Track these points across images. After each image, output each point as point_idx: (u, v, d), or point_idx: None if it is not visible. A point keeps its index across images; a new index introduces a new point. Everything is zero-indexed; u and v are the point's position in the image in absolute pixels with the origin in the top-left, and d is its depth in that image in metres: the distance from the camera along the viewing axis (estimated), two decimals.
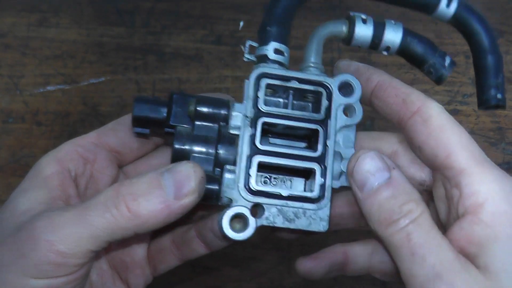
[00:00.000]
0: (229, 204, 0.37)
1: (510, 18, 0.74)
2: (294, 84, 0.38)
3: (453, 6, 0.41)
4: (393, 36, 0.41)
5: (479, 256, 0.32)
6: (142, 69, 0.72)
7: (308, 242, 0.62)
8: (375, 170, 0.34)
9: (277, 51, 0.39)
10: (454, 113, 0.68)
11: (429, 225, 0.33)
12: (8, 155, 0.67)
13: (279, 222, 0.37)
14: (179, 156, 0.37)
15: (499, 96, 0.42)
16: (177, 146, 0.37)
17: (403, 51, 0.41)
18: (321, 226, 0.37)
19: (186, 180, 0.34)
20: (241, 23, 0.75)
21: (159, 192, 0.34)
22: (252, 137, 0.37)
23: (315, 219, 0.37)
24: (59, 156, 0.41)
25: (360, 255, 0.43)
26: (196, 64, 0.72)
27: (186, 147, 0.37)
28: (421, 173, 0.40)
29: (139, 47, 0.74)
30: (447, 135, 0.35)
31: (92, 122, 0.69)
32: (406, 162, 0.40)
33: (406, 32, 0.42)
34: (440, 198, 0.37)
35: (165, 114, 0.39)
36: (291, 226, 0.37)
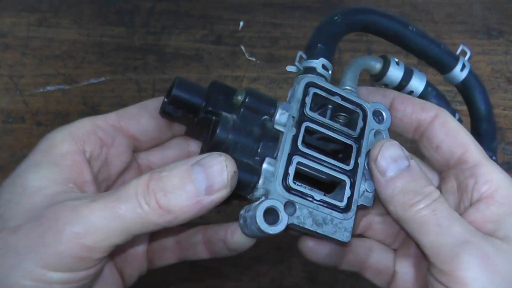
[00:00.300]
0: (257, 199, 0.37)
1: (510, 18, 0.74)
2: (337, 100, 0.40)
3: (465, 71, 0.48)
4: (418, 83, 0.46)
5: (497, 230, 0.36)
6: (142, 69, 0.72)
7: None
8: (397, 157, 0.38)
9: (324, 67, 0.41)
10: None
11: (448, 205, 0.36)
12: (8, 155, 0.67)
13: (308, 224, 0.37)
14: (219, 144, 0.37)
15: (494, 158, 0.49)
16: (221, 133, 0.37)
17: (421, 98, 0.45)
18: (344, 236, 0.38)
19: (219, 175, 0.33)
20: (241, 23, 0.75)
21: (190, 187, 0.33)
22: (295, 137, 0.37)
23: (340, 228, 0.38)
24: (76, 134, 0.38)
25: (361, 247, 0.43)
26: (196, 64, 0.72)
27: (230, 135, 0.37)
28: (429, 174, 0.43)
29: (139, 47, 0.74)
30: (462, 135, 0.39)
31: None
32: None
33: (428, 83, 0.47)
34: (449, 191, 0.40)
35: (204, 100, 0.39)
36: (319, 230, 0.37)
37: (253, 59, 0.73)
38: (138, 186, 0.33)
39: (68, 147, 0.37)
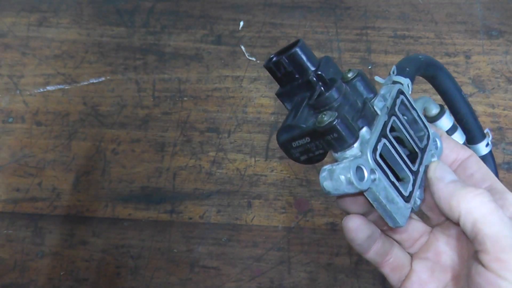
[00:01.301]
0: (345, 158, 0.40)
1: (510, 18, 0.74)
2: (415, 114, 0.45)
3: (488, 149, 0.55)
4: (457, 139, 0.54)
5: None
6: (142, 69, 0.72)
7: (308, 241, 0.62)
8: (451, 172, 0.44)
9: (408, 86, 0.48)
10: None
11: None
12: (8, 155, 0.67)
13: (382, 196, 0.41)
14: (329, 102, 0.41)
15: None
16: (335, 92, 0.41)
17: None
18: (402, 220, 0.42)
19: None
20: (241, 23, 0.75)
21: None
22: (386, 124, 0.42)
23: (399, 212, 0.42)
24: None
25: (387, 240, 0.47)
26: (196, 64, 0.72)
27: (340, 98, 0.41)
28: None
29: (139, 47, 0.73)
30: (491, 172, 0.47)
31: (92, 122, 0.69)
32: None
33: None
34: None
35: (316, 66, 0.42)
36: (387, 205, 0.41)
37: (253, 59, 0.73)
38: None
39: None
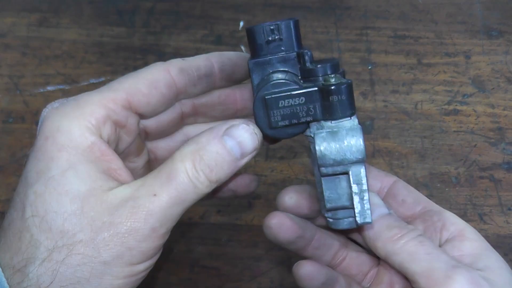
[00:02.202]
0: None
1: (510, 18, 0.74)
2: None
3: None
4: None
5: (475, 262, 0.39)
6: None
7: None
8: (380, 204, 0.43)
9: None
10: (454, 113, 0.68)
11: (430, 240, 0.41)
12: (8, 155, 0.67)
13: (366, 180, 0.39)
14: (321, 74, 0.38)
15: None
16: (329, 69, 0.39)
17: None
18: (370, 216, 0.40)
19: (251, 143, 0.39)
20: (241, 23, 0.75)
21: (228, 157, 0.38)
22: None
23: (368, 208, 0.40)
24: (91, 122, 0.38)
25: (341, 278, 0.47)
26: None
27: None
28: None
29: (139, 47, 0.74)
30: (420, 193, 0.47)
31: None
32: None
33: None
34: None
35: None
36: (366, 193, 0.39)
37: None
38: (188, 171, 0.37)
39: (91, 139, 0.37)
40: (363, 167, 0.38)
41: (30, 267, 0.35)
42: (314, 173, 0.42)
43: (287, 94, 0.38)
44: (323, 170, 0.38)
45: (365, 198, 0.38)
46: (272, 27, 0.39)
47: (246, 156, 0.39)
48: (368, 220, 0.39)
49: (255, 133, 0.39)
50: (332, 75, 0.37)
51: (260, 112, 0.39)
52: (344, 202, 0.40)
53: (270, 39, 0.39)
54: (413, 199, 0.45)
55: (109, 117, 0.39)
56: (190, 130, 0.48)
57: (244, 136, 0.38)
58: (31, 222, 0.35)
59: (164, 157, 0.47)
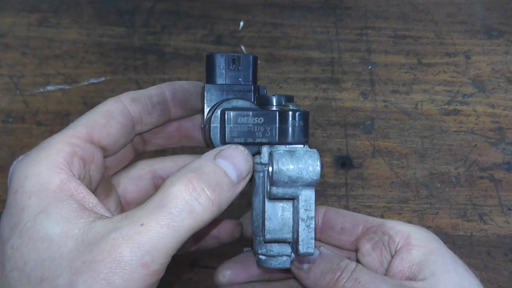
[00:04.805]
0: None
1: (510, 18, 0.74)
2: None
3: None
4: None
5: (423, 270, 0.39)
6: (142, 69, 0.72)
7: None
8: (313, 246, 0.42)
9: None
10: (454, 113, 0.68)
11: (367, 270, 0.40)
12: (8, 155, 0.67)
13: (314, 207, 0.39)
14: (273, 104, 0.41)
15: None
16: (283, 99, 0.40)
17: None
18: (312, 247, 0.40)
19: (245, 164, 0.37)
20: (241, 23, 0.75)
21: (226, 179, 0.35)
22: None
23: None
24: (59, 161, 0.36)
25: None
26: (196, 64, 0.72)
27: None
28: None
29: (139, 47, 0.74)
30: (353, 213, 0.47)
31: None
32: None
33: None
34: (367, 254, 0.45)
35: None
36: (312, 222, 0.39)
37: None
38: (183, 193, 0.33)
39: (60, 177, 0.35)
40: (314, 193, 0.38)
41: None
42: (254, 205, 0.42)
43: (248, 112, 0.39)
44: (274, 190, 0.38)
45: (310, 226, 0.38)
46: (233, 57, 0.41)
47: (242, 179, 0.36)
48: (310, 250, 0.39)
49: (247, 154, 0.37)
50: (289, 104, 0.39)
51: (216, 125, 0.39)
52: (285, 234, 0.41)
53: (229, 68, 0.41)
54: (350, 223, 0.45)
55: (75, 153, 0.37)
56: (156, 167, 0.47)
57: (238, 158, 0.36)
58: (10, 276, 0.33)
59: (135, 199, 0.46)
